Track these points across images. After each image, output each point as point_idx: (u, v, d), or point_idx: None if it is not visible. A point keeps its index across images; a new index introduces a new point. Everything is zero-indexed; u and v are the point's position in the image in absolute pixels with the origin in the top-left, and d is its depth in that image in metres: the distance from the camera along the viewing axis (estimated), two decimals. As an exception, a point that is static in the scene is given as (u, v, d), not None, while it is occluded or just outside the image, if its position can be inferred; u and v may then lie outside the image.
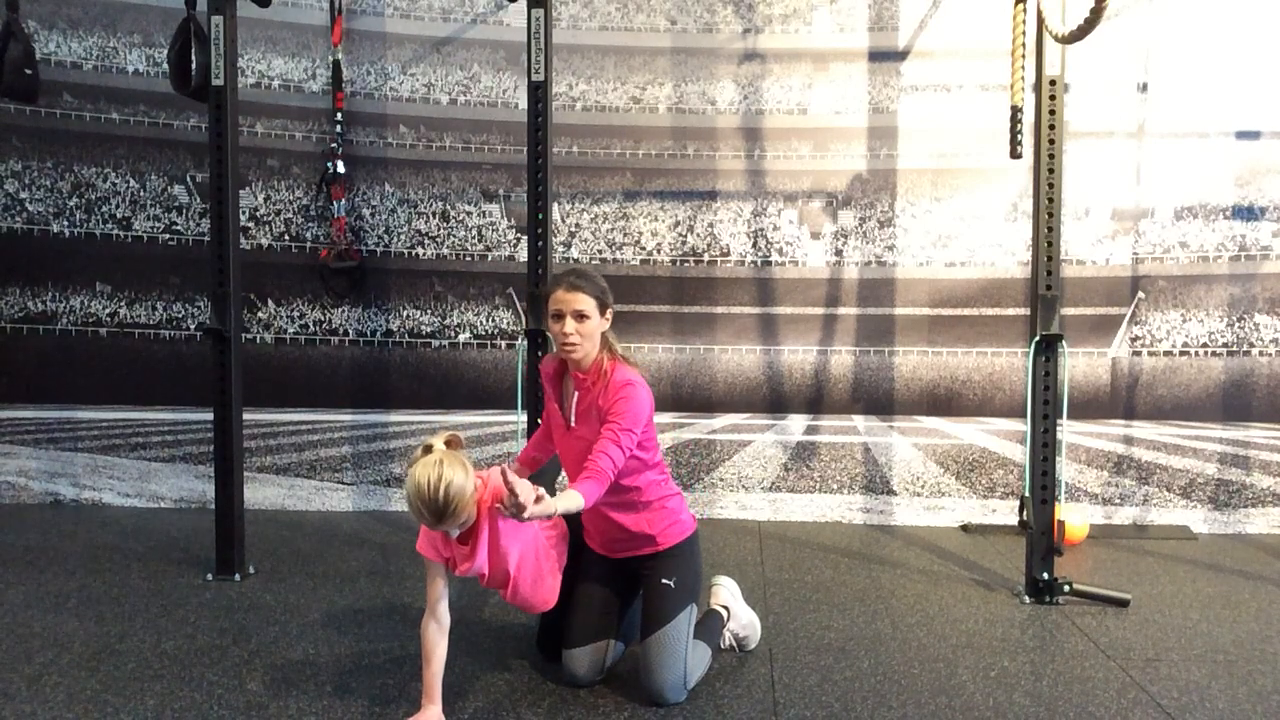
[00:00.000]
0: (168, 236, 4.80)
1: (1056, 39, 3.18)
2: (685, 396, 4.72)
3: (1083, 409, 4.54)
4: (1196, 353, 4.58)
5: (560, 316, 2.48)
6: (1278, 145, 4.47)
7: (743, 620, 2.89)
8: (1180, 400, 4.60)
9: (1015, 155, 3.58)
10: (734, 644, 2.86)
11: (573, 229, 4.71)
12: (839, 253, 4.65)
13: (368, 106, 4.71)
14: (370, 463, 4.79)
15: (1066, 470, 4.48)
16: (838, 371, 4.68)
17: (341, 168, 4.64)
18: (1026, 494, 3.44)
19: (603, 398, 2.48)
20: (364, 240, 4.75)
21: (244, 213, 4.66)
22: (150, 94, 4.73)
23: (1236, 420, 4.58)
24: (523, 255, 4.47)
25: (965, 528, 4.52)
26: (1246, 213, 4.50)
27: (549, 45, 3.56)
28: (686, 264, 4.69)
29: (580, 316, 2.48)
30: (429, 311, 4.77)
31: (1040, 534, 3.40)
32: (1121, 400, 4.62)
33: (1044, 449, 3.41)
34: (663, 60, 4.64)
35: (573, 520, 2.70)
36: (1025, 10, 3.47)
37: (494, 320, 4.78)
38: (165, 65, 3.96)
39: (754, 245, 4.67)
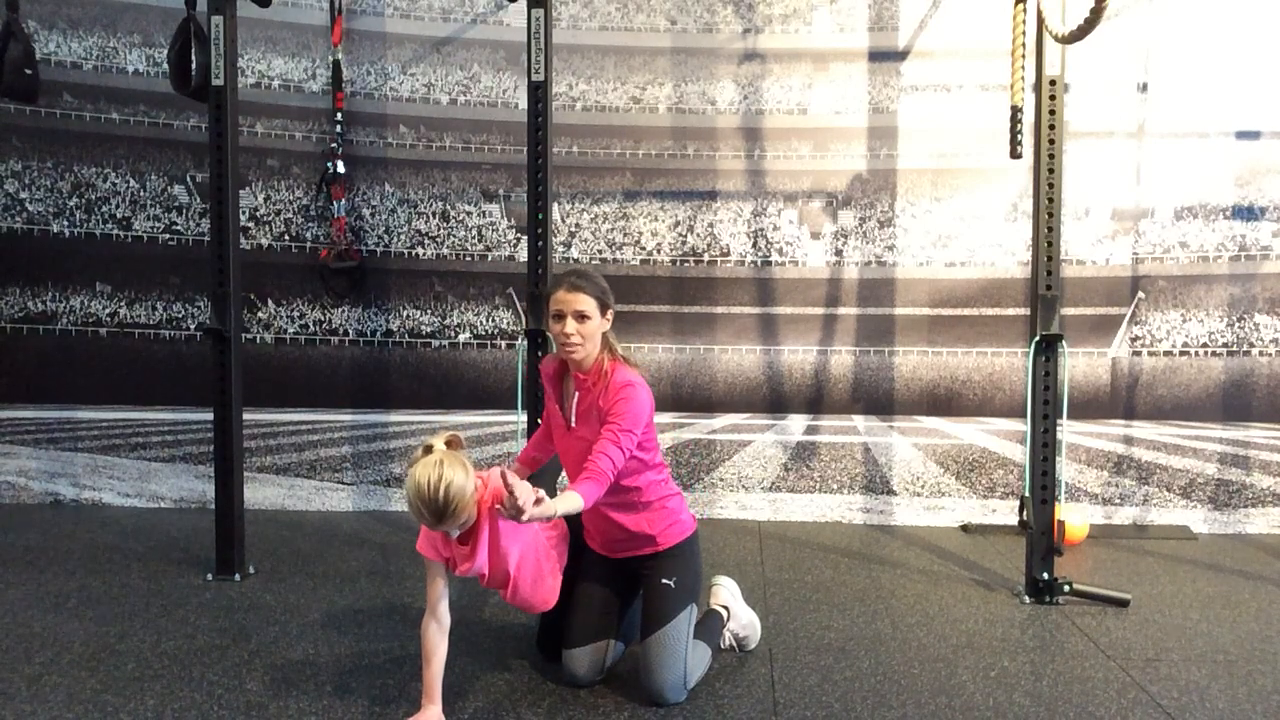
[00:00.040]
0: (168, 236, 4.80)
1: (1056, 39, 3.18)
2: (685, 396, 4.72)
3: (1083, 409, 4.54)
4: (1196, 353, 4.58)
5: (561, 317, 2.48)
6: (1278, 145, 4.47)
7: (743, 620, 2.89)
8: (1180, 400, 4.60)
9: (1015, 155, 3.58)
10: (734, 644, 2.86)
11: (573, 229, 4.71)
12: (839, 253, 4.65)
13: (368, 106, 4.71)
14: (370, 463, 4.79)
15: (1066, 470, 4.48)
16: (838, 371, 4.68)
17: (341, 168, 4.64)
18: (1026, 494, 3.44)
19: (603, 398, 2.48)
20: (364, 240, 4.75)
21: (244, 213, 4.66)
22: (150, 94, 4.72)
23: (1236, 420, 4.58)
24: (523, 255, 4.47)
25: (965, 528, 4.52)
26: (1246, 213, 4.51)
27: (549, 45, 3.56)
28: (686, 264, 4.69)
29: (581, 317, 2.48)
30: (429, 311, 4.77)
31: (1040, 534, 3.40)
32: (1121, 400, 4.62)
33: (1044, 449, 3.41)
34: (663, 60, 4.64)
35: (573, 520, 2.70)
36: (1025, 10, 3.47)
37: (494, 320, 4.77)
38: (165, 65, 3.97)
39: (754, 245, 4.67)
